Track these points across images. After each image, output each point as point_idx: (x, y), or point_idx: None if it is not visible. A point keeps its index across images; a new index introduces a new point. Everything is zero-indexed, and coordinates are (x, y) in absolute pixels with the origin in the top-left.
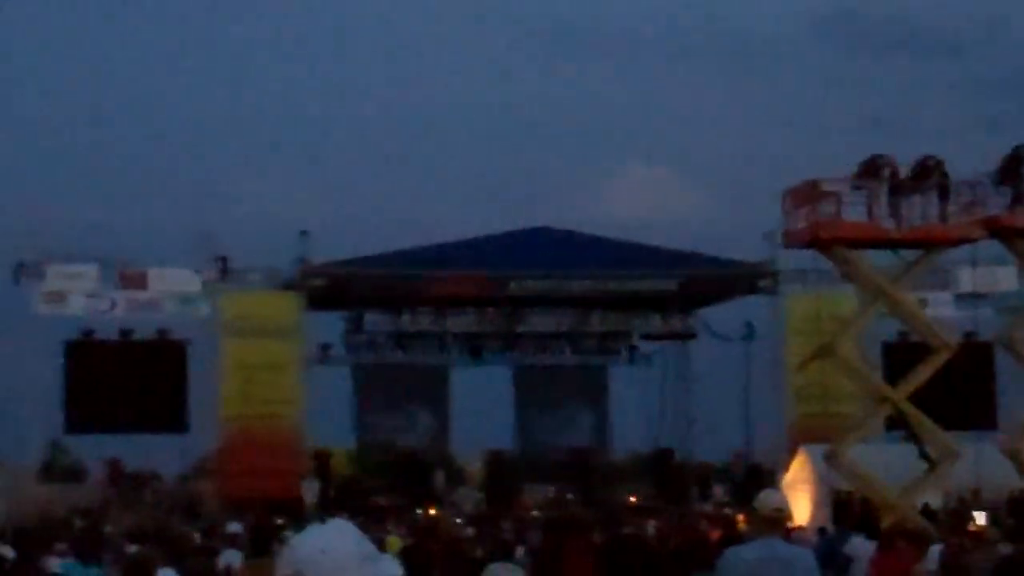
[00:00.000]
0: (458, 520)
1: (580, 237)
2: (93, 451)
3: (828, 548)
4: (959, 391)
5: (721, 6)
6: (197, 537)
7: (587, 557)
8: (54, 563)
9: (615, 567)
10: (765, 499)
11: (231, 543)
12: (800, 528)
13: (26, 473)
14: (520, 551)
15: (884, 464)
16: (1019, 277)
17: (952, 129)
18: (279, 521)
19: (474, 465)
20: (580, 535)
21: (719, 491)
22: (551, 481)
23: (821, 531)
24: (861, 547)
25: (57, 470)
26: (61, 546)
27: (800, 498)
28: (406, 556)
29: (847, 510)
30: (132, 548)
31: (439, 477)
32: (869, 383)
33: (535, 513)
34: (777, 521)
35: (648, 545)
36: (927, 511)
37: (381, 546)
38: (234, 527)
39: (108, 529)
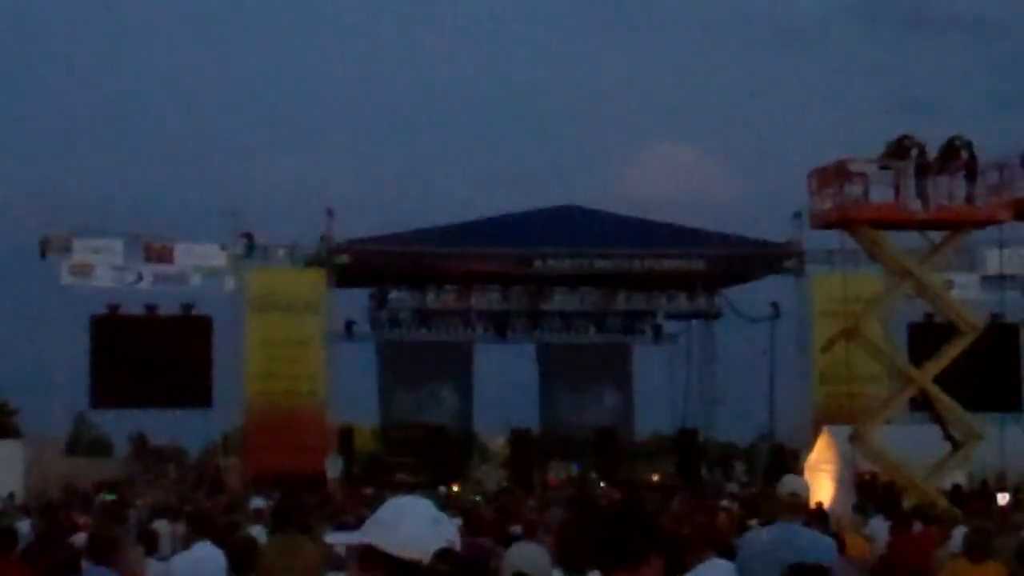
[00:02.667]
0: (476, 498)
1: (606, 216)
2: (119, 425)
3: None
4: (984, 373)
5: None
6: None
7: None
8: (81, 538)
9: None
10: (784, 484)
11: (255, 519)
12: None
13: (52, 446)
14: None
15: (908, 445)
16: None
17: (981, 109)
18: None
19: (497, 443)
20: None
21: (741, 471)
22: (575, 459)
23: (855, 508)
24: (881, 528)
25: (83, 444)
26: (86, 520)
27: (823, 479)
28: None
29: (871, 492)
30: (158, 523)
31: (474, 457)
32: (894, 364)
33: (558, 491)
34: (794, 506)
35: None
36: (957, 492)
37: None
38: (257, 502)
39: (139, 503)
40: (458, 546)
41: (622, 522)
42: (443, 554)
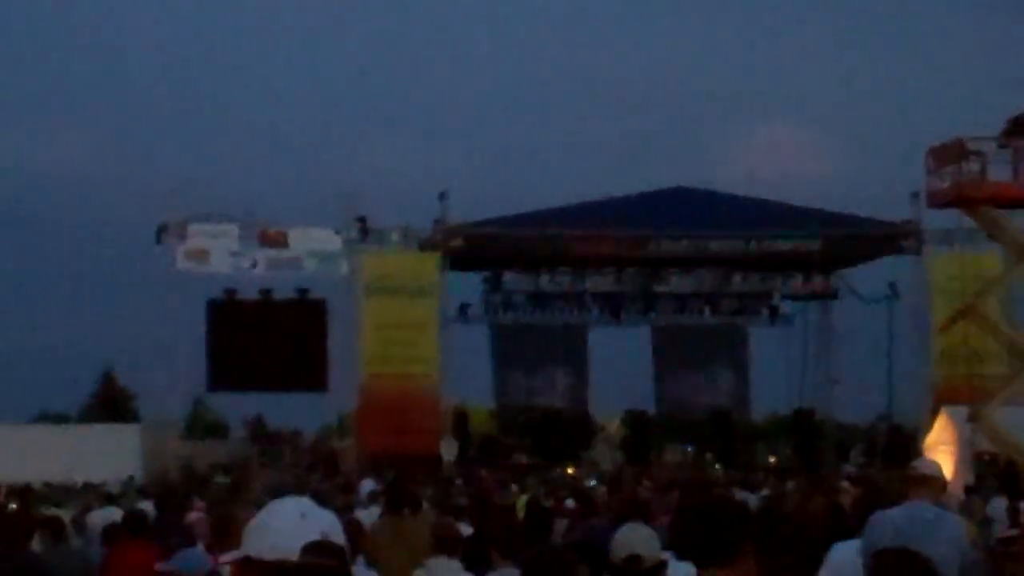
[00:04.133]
0: (592, 483)
1: (720, 196)
2: (235, 409)
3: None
4: None
5: None
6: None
7: None
8: (196, 517)
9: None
10: (917, 464)
11: (370, 500)
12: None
13: (169, 430)
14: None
15: None
16: None
17: None
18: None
19: (613, 424)
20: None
21: (859, 452)
22: (690, 441)
23: (968, 490)
24: (1001, 509)
25: (199, 427)
26: (202, 503)
27: (942, 460)
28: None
29: (990, 472)
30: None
31: (589, 439)
32: (1014, 344)
33: (673, 473)
34: (918, 480)
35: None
36: None
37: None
38: (368, 484)
39: (255, 486)
40: (334, 537)
41: (713, 517)
42: (312, 547)
